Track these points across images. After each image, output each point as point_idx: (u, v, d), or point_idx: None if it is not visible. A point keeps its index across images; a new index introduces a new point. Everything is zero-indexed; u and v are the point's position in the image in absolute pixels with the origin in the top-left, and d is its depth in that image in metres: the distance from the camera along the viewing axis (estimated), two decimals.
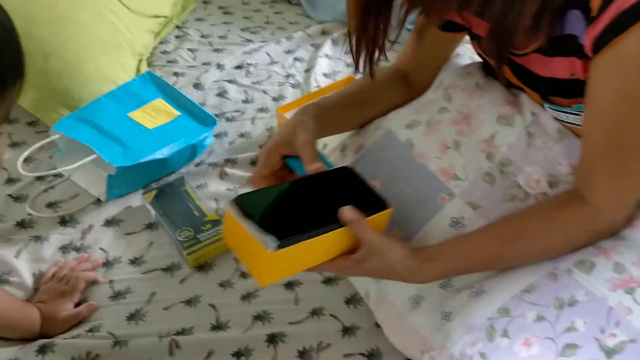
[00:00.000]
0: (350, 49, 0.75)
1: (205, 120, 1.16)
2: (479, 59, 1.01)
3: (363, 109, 0.90)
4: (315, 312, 0.88)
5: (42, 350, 0.82)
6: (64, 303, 0.88)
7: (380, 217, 0.68)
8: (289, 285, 0.91)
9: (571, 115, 0.74)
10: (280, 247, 0.59)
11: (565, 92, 0.73)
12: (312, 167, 0.73)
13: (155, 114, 1.15)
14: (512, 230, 0.71)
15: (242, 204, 0.61)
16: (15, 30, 0.55)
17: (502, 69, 0.78)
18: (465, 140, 0.81)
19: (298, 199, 0.66)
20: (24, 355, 0.82)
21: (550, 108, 0.76)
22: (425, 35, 0.86)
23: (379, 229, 0.68)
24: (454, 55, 0.96)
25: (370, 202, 0.68)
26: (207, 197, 1.07)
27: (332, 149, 0.93)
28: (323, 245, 0.65)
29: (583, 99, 0.70)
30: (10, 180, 1.10)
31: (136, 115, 1.13)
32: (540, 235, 0.70)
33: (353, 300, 0.89)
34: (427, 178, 0.81)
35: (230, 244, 0.66)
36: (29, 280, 0.93)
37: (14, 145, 1.18)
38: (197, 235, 0.96)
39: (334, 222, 0.64)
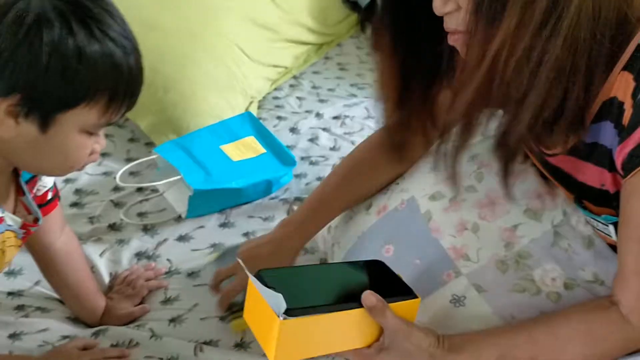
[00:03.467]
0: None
1: (286, 160, 1.26)
2: None
3: (351, 194, 0.94)
4: None
5: (96, 333, 0.96)
6: (126, 303, 1.01)
7: (407, 305, 0.67)
8: None
9: (600, 224, 0.72)
10: (290, 315, 0.59)
11: (596, 201, 0.71)
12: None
13: (244, 148, 1.28)
14: (545, 336, 0.68)
15: (266, 276, 0.62)
16: (142, 69, 0.70)
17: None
18: (485, 225, 0.80)
19: (322, 280, 0.68)
20: (81, 334, 0.96)
21: (582, 212, 0.74)
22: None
23: (406, 318, 0.67)
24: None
25: (398, 290, 0.68)
26: (271, 229, 1.16)
27: (358, 206, 0.96)
28: (340, 327, 0.64)
29: (611, 211, 0.69)
30: (116, 189, 1.28)
31: (227, 148, 1.27)
32: (576, 344, 0.67)
33: None
34: (437, 253, 0.81)
35: (249, 318, 0.66)
36: (106, 277, 1.08)
37: (129, 160, 1.37)
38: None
39: (355, 304, 0.64)
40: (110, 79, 0.67)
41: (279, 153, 1.28)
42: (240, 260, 0.68)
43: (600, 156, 0.66)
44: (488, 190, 0.82)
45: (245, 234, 1.16)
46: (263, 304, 0.61)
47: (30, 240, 0.90)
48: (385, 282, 0.68)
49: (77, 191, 1.28)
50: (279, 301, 0.59)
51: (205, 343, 0.93)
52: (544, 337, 0.68)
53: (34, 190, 0.83)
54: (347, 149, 1.39)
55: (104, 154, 1.39)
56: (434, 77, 0.77)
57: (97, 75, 0.66)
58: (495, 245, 0.78)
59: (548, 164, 0.75)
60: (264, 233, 1.15)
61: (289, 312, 0.59)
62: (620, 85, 0.61)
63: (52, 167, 0.73)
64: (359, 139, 1.42)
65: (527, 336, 0.68)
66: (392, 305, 0.65)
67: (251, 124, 1.35)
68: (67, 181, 1.30)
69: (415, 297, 0.68)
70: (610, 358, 0.66)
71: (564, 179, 0.74)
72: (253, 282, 0.63)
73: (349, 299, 0.64)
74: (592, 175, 0.68)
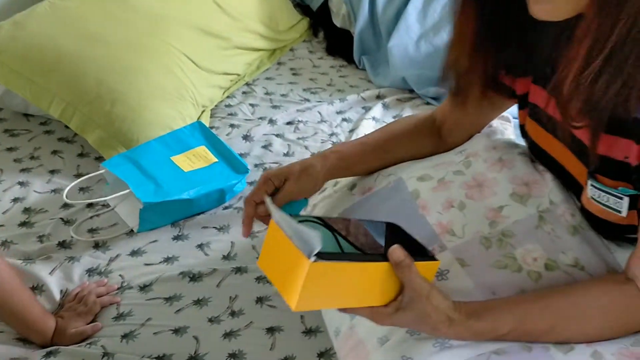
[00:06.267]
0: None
1: (238, 168, 1.25)
2: (510, 135, 1.01)
3: (386, 156, 0.94)
4: None
5: (48, 354, 0.93)
6: (77, 322, 0.99)
7: (427, 266, 0.67)
8: (270, 330, 0.96)
9: (612, 197, 0.72)
10: (321, 258, 0.56)
11: (613, 174, 0.71)
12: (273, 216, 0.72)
13: (195, 158, 1.27)
14: (565, 305, 0.68)
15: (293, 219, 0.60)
16: None
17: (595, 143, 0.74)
18: (472, 204, 0.82)
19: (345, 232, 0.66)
20: (31, 356, 0.93)
21: (593, 186, 0.74)
22: (465, 100, 0.86)
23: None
24: (488, 126, 0.97)
25: (418, 252, 0.68)
26: (226, 239, 1.15)
27: (341, 186, 0.97)
28: (362, 279, 0.63)
29: (629, 184, 0.69)
30: (66, 205, 1.25)
31: (178, 159, 1.26)
32: (595, 315, 0.68)
33: (326, 354, 0.91)
34: (423, 228, 0.82)
35: (265, 264, 0.63)
36: (57, 295, 1.05)
37: (79, 176, 1.34)
38: None
39: (380, 258, 0.62)
40: None
41: (231, 161, 1.27)
42: (267, 199, 0.67)
43: (631, 129, 0.65)
44: (475, 174, 0.85)
45: (200, 246, 1.15)
46: (288, 246, 0.58)
47: None
48: (404, 243, 0.66)
49: (26, 210, 1.25)
50: (312, 241, 0.56)
51: (158, 358, 0.92)
52: (563, 307, 0.68)
53: None
54: (300, 154, 1.40)
55: (52, 171, 1.36)
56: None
57: None
58: (480, 222, 0.79)
59: (572, 137, 0.74)
60: (219, 243, 1.15)
61: (319, 255, 0.56)
62: None
63: None
64: (312, 144, 1.43)
65: (545, 305, 0.68)
66: (416, 263, 0.64)
67: (202, 133, 1.33)
68: (15, 200, 1.27)
69: (434, 259, 0.67)
70: (627, 332, 0.67)
71: (582, 151, 0.73)
72: (280, 221, 0.59)
73: (374, 250, 0.63)
74: (616, 147, 0.68)
